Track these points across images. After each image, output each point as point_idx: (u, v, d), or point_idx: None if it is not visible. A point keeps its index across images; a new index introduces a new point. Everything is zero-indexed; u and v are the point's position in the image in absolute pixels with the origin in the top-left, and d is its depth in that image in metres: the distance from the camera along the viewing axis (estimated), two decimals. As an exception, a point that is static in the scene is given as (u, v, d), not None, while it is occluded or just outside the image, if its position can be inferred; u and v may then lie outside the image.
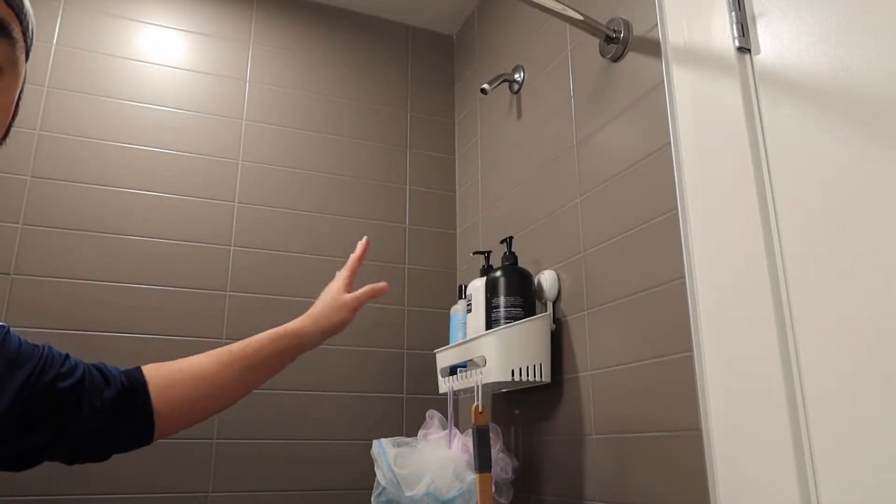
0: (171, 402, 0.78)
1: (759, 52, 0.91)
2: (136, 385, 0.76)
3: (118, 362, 1.50)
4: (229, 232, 1.64)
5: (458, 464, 1.27)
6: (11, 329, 0.71)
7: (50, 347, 0.73)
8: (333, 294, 0.98)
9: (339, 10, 1.93)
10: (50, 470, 1.35)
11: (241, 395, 0.87)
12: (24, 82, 0.58)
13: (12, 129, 0.59)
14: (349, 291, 1.00)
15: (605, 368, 1.16)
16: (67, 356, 0.74)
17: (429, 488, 1.22)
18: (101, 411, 0.72)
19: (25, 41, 0.55)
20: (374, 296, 1.02)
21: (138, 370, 0.78)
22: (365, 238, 1.08)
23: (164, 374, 0.79)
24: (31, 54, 0.58)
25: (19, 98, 0.60)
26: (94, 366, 0.76)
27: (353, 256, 1.06)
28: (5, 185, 1.47)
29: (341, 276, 1.02)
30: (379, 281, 1.07)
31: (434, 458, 1.28)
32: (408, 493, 1.23)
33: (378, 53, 1.94)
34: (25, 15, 0.55)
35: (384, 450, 1.31)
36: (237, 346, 0.86)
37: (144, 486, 1.42)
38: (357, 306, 0.98)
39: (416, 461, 1.29)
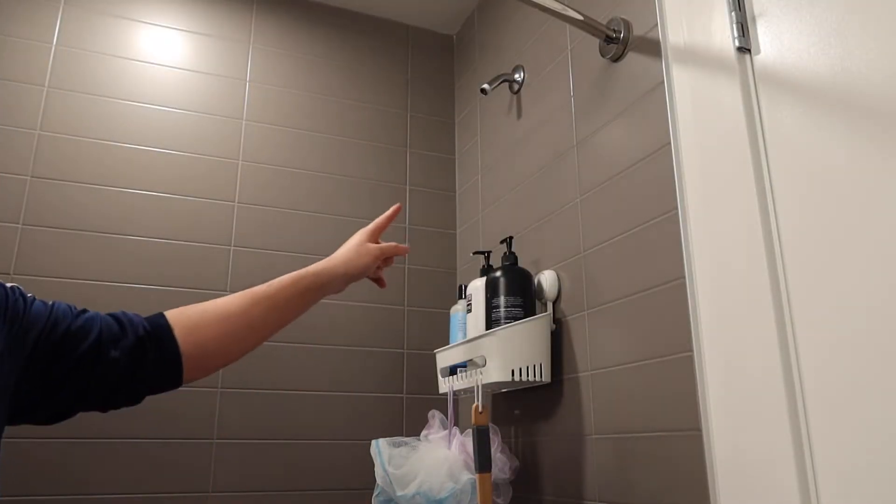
0: (197, 342, 0.79)
1: (759, 52, 0.91)
2: (159, 329, 0.77)
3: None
4: (229, 232, 1.64)
5: (454, 464, 1.27)
6: (21, 288, 0.71)
7: (61, 302, 0.73)
8: (358, 240, 1.02)
9: (339, 10, 1.93)
10: (50, 470, 1.35)
11: (267, 334, 0.89)
12: None
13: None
14: (374, 236, 1.05)
15: (605, 368, 1.16)
16: (82, 311, 0.74)
17: (420, 488, 1.22)
18: (121, 360, 0.73)
19: None
20: (397, 253, 1.06)
21: (161, 315, 0.79)
22: (398, 205, 1.13)
23: (189, 315, 0.80)
24: None
25: None
26: (112, 315, 0.76)
27: (384, 216, 1.09)
28: (5, 185, 1.47)
29: (367, 229, 1.05)
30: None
31: (430, 458, 1.28)
32: (399, 493, 1.24)
33: (378, 53, 1.94)
34: None
35: (380, 450, 1.31)
36: (260, 288, 0.88)
37: (144, 486, 1.42)
38: (380, 255, 1.02)
39: (413, 461, 1.29)
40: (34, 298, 0.72)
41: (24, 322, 0.68)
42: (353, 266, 0.98)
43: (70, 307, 0.74)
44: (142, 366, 0.74)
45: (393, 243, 1.07)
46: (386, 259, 1.08)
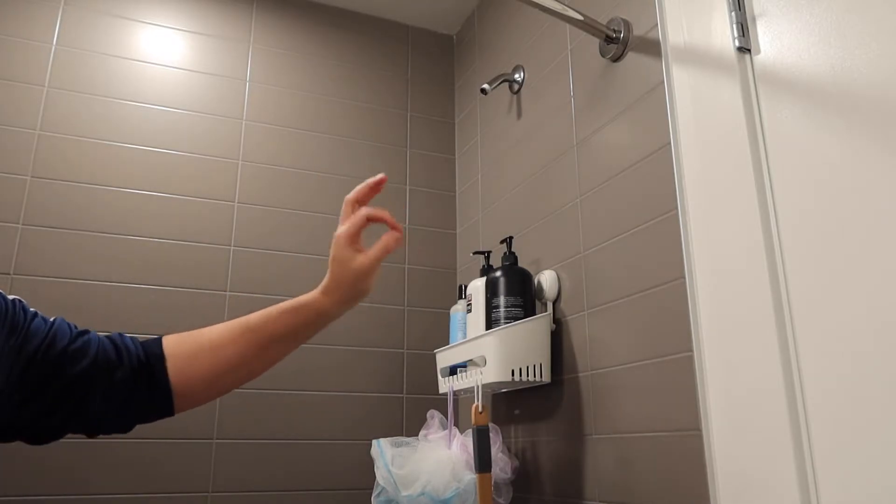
0: (188, 378, 0.76)
1: (759, 52, 0.91)
2: (153, 360, 0.75)
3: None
4: (229, 232, 1.63)
5: (456, 464, 1.27)
6: (24, 302, 0.71)
7: (62, 320, 0.73)
8: (344, 261, 0.82)
9: (339, 10, 1.93)
10: (50, 469, 1.35)
11: (262, 367, 0.83)
12: None
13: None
14: (355, 241, 0.84)
15: (605, 368, 1.16)
16: (81, 333, 0.73)
17: (425, 488, 1.22)
18: (113, 389, 0.72)
19: None
20: (390, 251, 0.86)
21: (158, 343, 0.77)
22: (381, 175, 0.92)
23: (184, 349, 0.77)
24: None
25: None
26: (109, 339, 0.75)
27: (363, 212, 0.87)
28: (5, 185, 1.47)
29: (342, 238, 0.84)
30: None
31: (432, 458, 1.28)
32: (404, 493, 1.23)
33: (378, 53, 1.94)
34: None
35: (382, 450, 1.31)
36: (253, 318, 0.81)
37: (144, 486, 1.42)
38: (373, 271, 0.84)
39: (414, 461, 1.29)
40: (36, 313, 0.71)
41: (22, 335, 0.68)
42: (350, 296, 0.84)
43: (70, 327, 0.73)
44: (132, 398, 0.73)
45: (381, 243, 0.85)
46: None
